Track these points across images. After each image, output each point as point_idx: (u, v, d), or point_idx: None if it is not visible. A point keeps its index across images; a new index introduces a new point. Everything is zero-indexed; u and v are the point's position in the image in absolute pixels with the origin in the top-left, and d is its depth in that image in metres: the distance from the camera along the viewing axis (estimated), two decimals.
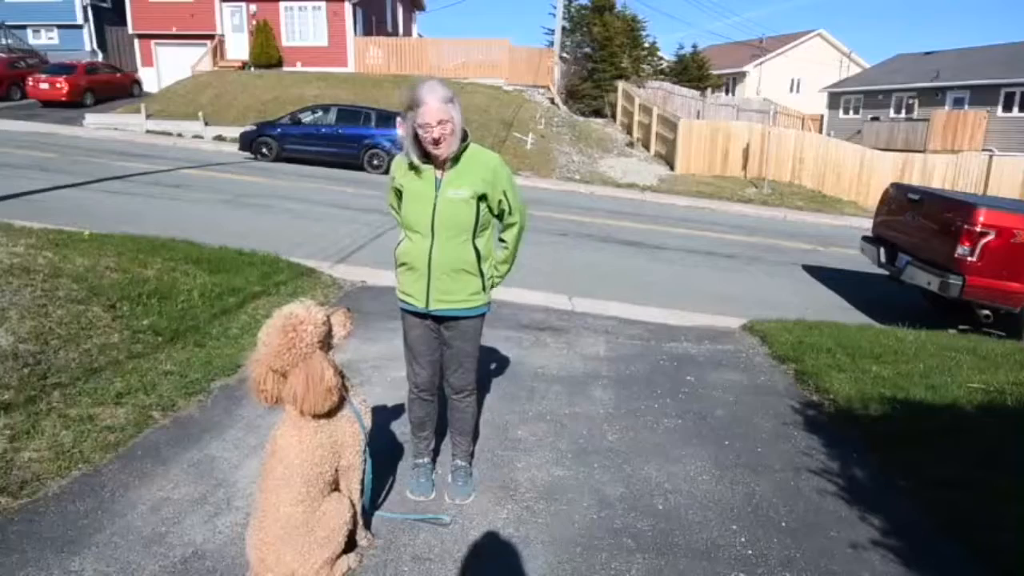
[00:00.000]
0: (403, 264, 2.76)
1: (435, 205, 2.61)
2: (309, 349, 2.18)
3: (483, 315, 2.85)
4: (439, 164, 2.61)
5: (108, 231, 6.70)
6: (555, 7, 25.16)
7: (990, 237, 6.23)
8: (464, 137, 2.61)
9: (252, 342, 4.49)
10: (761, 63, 38.68)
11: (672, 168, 19.88)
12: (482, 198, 2.65)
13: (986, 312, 6.66)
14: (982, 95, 26.78)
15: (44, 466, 2.91)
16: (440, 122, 2.48)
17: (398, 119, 15.51)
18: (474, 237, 2.70)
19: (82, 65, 23.29)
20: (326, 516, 2.27)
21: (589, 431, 3.77)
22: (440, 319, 2.80)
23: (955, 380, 4.57)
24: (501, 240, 2.88)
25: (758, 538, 2.86)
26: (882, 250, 7.70)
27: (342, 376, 2.39)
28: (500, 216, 2.78)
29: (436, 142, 2.51)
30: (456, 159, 2.61)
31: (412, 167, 2.63)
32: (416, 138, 2.56)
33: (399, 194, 2.72)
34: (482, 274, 2.76)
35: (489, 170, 2.66)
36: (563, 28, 25.96)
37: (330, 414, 2.29)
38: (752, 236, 12.38)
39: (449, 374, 2.91)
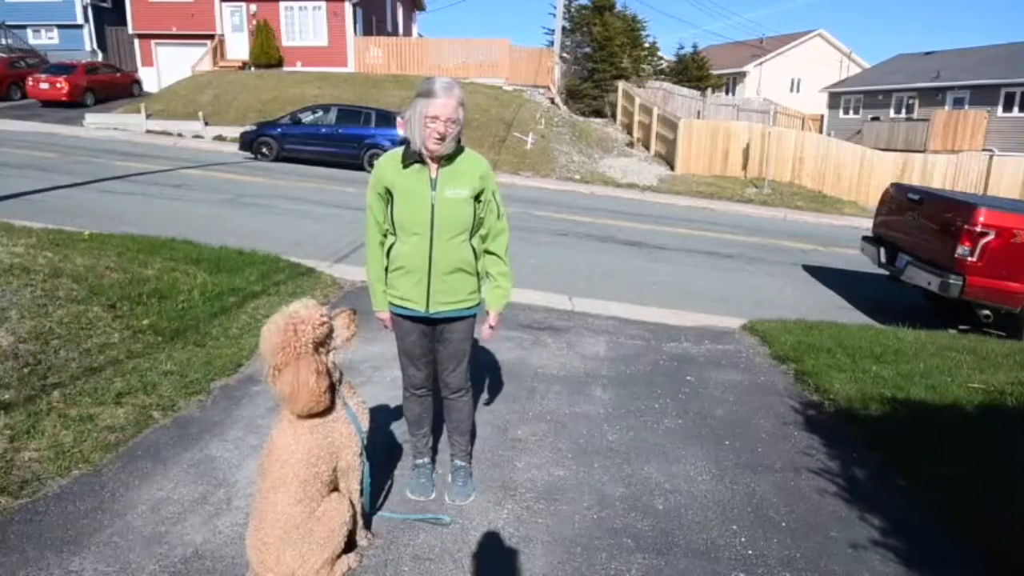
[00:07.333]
0: (399, 267, 2.69)
1: (433, 205, 2.60)
2: (304, 349, 2.18)
3: (476, 314, 2.86)
4: (433, 161, 2.61)
5: (108, 231, 6.71)
6: (555, 7, 25.15)
7: (990, 237, 6.23)
8: (457, 141, 2.63)
9: (252, 342, 4.55)
10: (761, 63, 38.68)
11: (672, 168, 19.86)
12: (476, 197, 2.67)
13: (986, 312, 6.66)
14: (982, 95, 26.79)
15: (44, 466, 2.91)
16: (449, 120, 2.50)
17: (398, 119, 15.62)
18: (471, 236, 2.71)
19: (82, 65, 23.31)
20: (326, 516, 2.28)
21: (589, 431, 3.77)
22: (436, 320, 2.79)
23: (955, 380, 4.57)
24: (491, 253, 2.81)
25: (758, 538, 2.86)
26: (882, 250, 7.70)
27: (339, 377, 2.39)
28: (480, 223, 2.73)
29: (441, 137, 2.51)
30: (450, 159, 2.62)
31: (405, 165, 2.61)
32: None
33: (389, 194, 2.64)
34: (478, 273, 2.77)
35: (483, 167, 2.70)
36: (563, 28, 25.95)
37: (324, 414, 2.29)
38: (752, 236, 12.38)
39: (446, 374, 2.91)
